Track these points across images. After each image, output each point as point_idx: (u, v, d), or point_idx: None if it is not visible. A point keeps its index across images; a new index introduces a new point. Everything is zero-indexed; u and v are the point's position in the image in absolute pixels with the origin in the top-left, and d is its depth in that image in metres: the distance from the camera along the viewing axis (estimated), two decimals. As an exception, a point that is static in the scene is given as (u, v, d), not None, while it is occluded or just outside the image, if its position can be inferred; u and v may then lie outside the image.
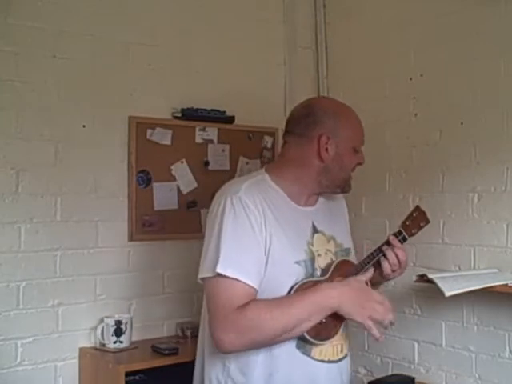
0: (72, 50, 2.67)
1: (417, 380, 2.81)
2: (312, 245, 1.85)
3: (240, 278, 1.69)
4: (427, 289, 2.66)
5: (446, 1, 2.80)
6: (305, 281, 1.78)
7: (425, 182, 2.86)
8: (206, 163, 3.02)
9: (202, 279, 1.76)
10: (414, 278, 2.62)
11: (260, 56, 3.22)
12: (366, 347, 3.13)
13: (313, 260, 1.83)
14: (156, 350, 2.65)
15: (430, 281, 2.46)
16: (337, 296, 1.72)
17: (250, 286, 1.70)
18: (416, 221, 1.94)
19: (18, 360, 2.55)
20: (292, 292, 1.75)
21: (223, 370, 1.80)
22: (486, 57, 2.62)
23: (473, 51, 2.67)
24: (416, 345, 2.90)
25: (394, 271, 1.91)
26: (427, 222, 1.96)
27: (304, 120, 1.89)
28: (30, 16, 2.58)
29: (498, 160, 2.58)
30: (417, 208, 1.96)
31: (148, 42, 2.87)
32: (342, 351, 1.89)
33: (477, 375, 2.66)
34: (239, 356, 1.77)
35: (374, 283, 1.96)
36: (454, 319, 2.74)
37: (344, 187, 1.95)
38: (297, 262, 1.79)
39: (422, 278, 2.54)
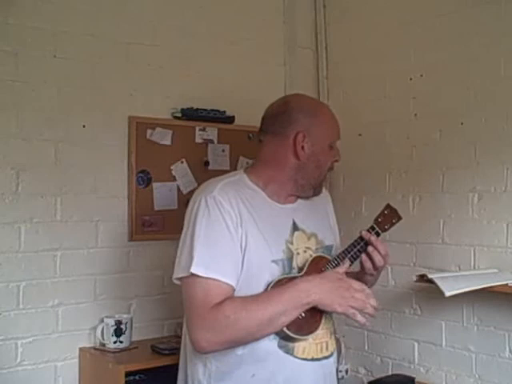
0: (72, 50, 2.67)
1: (417, 380, 2.81)
2: (291, 243, 1.84)
3: (215, 277, 1.69)
4: (427, 289, 2.66)
5: (446, 1, 2.80)
6: (280, 277, 1.77)
7: (425, 182, 2.86)
8: (206, 163, 3.02)
9: (179, 279, 1.76)
10: (414, 278, 2.63)
11: (260, 56, 3.22)
12: (366, 347, 3.13)
13: (291, 259, 1.82)
14: (156, 350, 2.65)
15: (430, 281, 2.46)
16: (313, 291, 1.71)
17: (225, 283, 1.70)
18: (388, 217, 1.96)
19: (18, 360, 2.55)
20: (269, 289, 1.75)
21: (204, 372, 1.79)
22: (486, 57, 2.62)
23: (473, 51, 2.67)
24: (416, 345, 2.90)
25: (377, 269, 1.92)
26: (399, 218, 1.98)
27: (279, 118, 1.89)
28: (30, 16, 2.58)
29: (498, 160, 2.58)
30: (387, 206, 1.98)
31: (148, 41, 2.88)
32: (327, 349, 1.87)
33: (477, 375, 2.66)
34: (220, 356, 1.76)
35: (364, 281, 1.93)
36: (453, 319, 2.74)
37: (317, 188, 1.95)
38: (274, 261, 1.79)
39: (422, 278, 2.54)
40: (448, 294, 2.33)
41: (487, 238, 2.62)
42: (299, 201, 1.95)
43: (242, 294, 1.73)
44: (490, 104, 2.62)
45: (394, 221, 1.96)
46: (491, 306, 2.59)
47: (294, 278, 1.77)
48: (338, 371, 3.08)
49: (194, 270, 1.69)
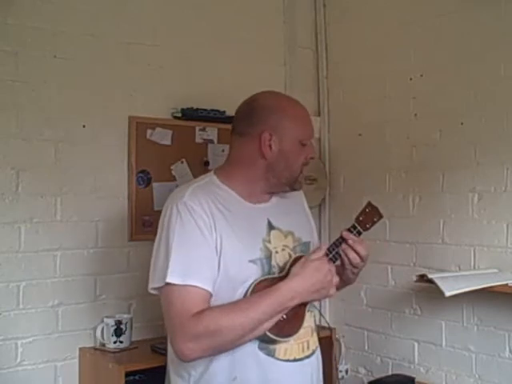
0: (72, 50, 2.67)
1: (417, 380, 2.82)
2: (269, 242, 1.83)
3: (191, 283, 1.67)
4: (427, 289, 2.67)
5: (446, 1, 2.80)
6: (261, 279, 1.76)
7: (425, 182, 2.86)
8: (206, 163, 3.02)
9: (156, 289, 1.75)
10: (414, 278, 2.63)
11: (260, 56, 3.22)
12: (366, 347, 3.14)
13: (269, 258, 1.81)
14: (156, 350, 2.65)
15: (430, 281, 2.46)
16: (295, 294, 1.71)
17: (202, 289, 1.68)
18: (369, 216, 1.93)
19: (18, 360, 2.55)
20: (249, 291, 1.74)
21: (188, 380, 1.79)
22: (486, 57, 2.62)
23: (473, 51, 2.67)
24: (416, 345, 2.90)
25: (356, 267, 1.90)
26: (380, 216, 1.94)
27: (246, 118, 1.87)
28: (30, 16, 2.57)
29: (498, 160, 2.58)
30: (369, 204, 1.95)
31: (148, 41, 2.88)
32: (308, 348, 1.86)
33: (477, 375, 2.66)
34: (201, 362, 1.75)
35: (345, 276, 1.94)
36: (453, 319, 2.74)
37: (292, 185, 1.91)
38: (251, 261, 1.77)
39: (422, 278, 2.55)
40: (448, 293, 2.33)
41: (487, 238, 2.62)
42: (273, 200, 1.93)
43: (222, 296, 1.71)
44: (490, 104, 2.62)
45: (375, 219, 1.93)
46: (491, 306, 2.59)
47: (274, 280, 1.76)
48: (338, 371, 3.09)
49: (169, 279, 1.67)
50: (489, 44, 2.61)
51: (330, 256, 1.85)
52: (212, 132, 3.04)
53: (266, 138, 1.82)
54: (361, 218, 1.92)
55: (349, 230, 1.89)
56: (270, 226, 1.86)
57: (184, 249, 1.70)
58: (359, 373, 3.17)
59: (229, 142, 1.94)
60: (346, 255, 1.86)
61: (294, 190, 1.94)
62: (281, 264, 1.83)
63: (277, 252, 1.83)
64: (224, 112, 3.05)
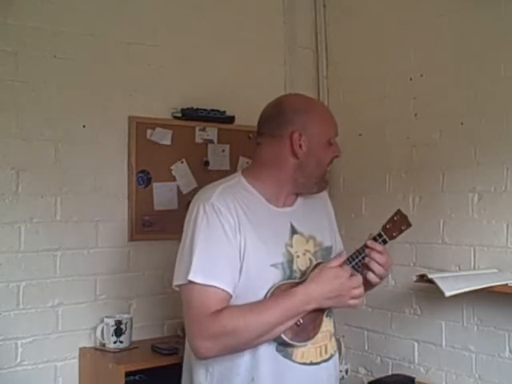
0: (72, 50, 2.67)
1: (417, 380, 2.81)
2: (291, 246, 1.85)
3: (212, 284, 1.70)
4: (427, 289, 2.66)
5: (446, 1, 2.80)
6: (281, 283, 1.77)
7: (425, 182, 2.86)
8: (206, 163, 3.02)
9: (178, 286, 1.77)
10: (414, 278, 2.63)
11: (260, 56, 3.22)
12: (366, 347, 3.13)
13: (291, 262, 1.82)
14: (156, 350, 2.65)
15: (430, 281, 2.46)
16: (311, 300, 1.73)
17: (223, 290, 1.71)
18: (397, 224, 1.92)
19: (18, 360, 2.55)
20: (269, 295, 1.75)
21: (206, 376, 1.81)
22: (486, 57, 2.62)
23: (473, 51, 2.67)
24: (416, 345, 2.90)
25: (380, 277, 1.91)
26: (408, 225, 1.94)
27: (274, 120, 1.90)
28: (30, 16, 2.58)
29: (498, 160, 2.58)
30: (398, 212, 1.94)
31: (148, 41, 2.88)
32: (326, 352, 1.87)
33: (477, 375, 2.66)
34: (222, 361, 1.77)
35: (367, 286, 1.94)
36: (453, 319, 2.74)
37: (321, 184, 1.94)
38: (273, 265, 1.79)
39: (422, 278, 2.55)
40: (448, 294, 2.33)
41: (487, 238, 2.62)
42: (297, 203, 1.95)
43: (243, 298, 1.74)
44: (490, 104, 2.62)
45: (403, 228, 1.92)
46: (491, 306, 2.59)
47: (293, 284, 1.77)
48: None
49: (191, 277, 1.70)
50: (489, 44, 2.61)
51: (353, 263, 1.85)
52: (212, 132, 3.04)
53: (297, 137, 1.85)
54: (388, 226, 1.91)
55: (374, 238, 1.89)
56: (293, 231, 1.88)
57: (208, 249, 1.73)
58: (359, 373, 3.17)
59: (256, 145, 1.96)
60: (369, 264, 1.86)
61: (321, 189, 1.97)
62: (302, 268, 1.84)
63: (298, 256, 1.85)
64: (224, 112, 3.05)
